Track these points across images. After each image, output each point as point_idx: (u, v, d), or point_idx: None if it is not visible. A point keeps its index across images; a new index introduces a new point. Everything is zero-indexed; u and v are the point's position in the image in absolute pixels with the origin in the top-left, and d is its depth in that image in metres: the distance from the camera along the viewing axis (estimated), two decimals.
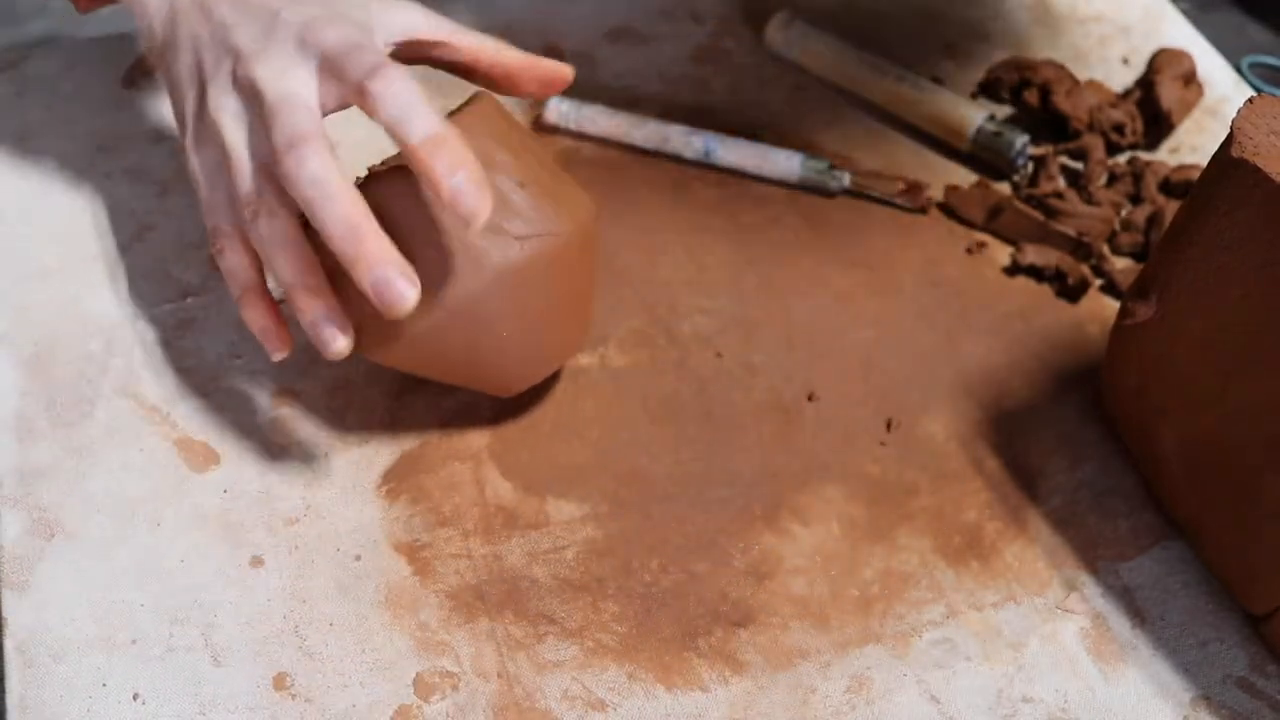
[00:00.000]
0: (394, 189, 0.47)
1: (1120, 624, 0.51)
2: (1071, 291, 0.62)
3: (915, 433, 0.56)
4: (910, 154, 0.68)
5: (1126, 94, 0.72)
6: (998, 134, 0.66)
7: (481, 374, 0.50)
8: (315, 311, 0.46)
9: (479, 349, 0.48)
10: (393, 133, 0.44)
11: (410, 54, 0.51)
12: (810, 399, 0.57)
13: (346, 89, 0.45)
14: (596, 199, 0.64)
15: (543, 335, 0.50)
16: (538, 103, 0.68)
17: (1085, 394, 0.58)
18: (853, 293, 0.61)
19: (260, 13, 0.47)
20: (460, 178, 0.43)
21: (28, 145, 0.63)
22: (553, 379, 0.56)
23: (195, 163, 0.48)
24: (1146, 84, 0.70)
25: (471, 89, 0.51)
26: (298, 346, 0.56)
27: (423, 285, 0.44)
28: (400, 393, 0.55)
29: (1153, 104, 0.69)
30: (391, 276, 0.43)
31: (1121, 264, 0.64)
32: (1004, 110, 0.71)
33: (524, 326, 0.49)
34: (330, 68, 0.46)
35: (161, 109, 0.65)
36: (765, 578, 0.51)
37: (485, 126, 0.48)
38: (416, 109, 0.44)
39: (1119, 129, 0.68)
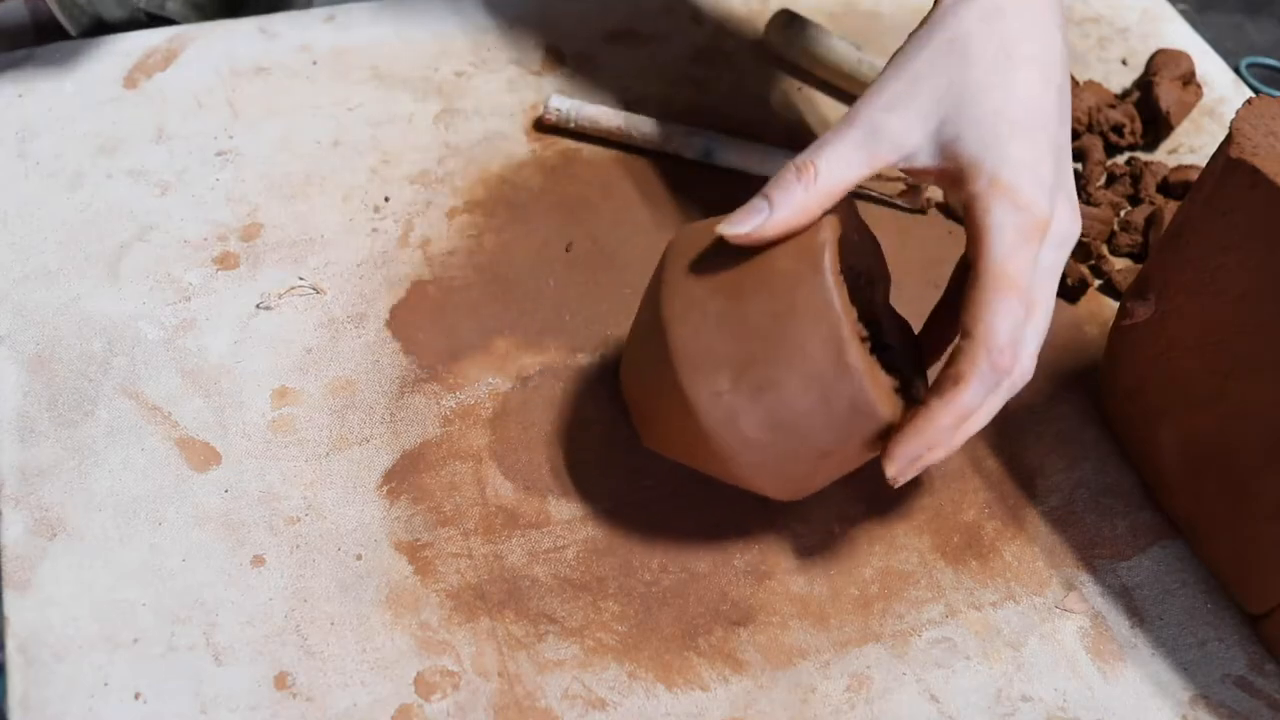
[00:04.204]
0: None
1: (1119, 623, 0.51)
2: (1070, 292, 0.62)
3: None
4: None
5: (1125, 95, 0.72)
6: None
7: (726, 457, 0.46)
8: None
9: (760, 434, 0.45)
10: (971, 362, 0.43)
11: None
12: None
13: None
14: (598, 199, 0.64)
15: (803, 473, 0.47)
16: (537, 104, 0.68)
17: (1084, 394, 0.58)
18: None
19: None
20: (923, 458, 0.44)
21: (29, 145, 0.63)
22: (555, 378, 0.56)
23: None
24: (1145, 85, 0.70)
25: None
26: (299, 347, 0.56)
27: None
28: (401, 392, 0.55)
29: (1151, 105, 0.69)
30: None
31: (1120, 264, 0.64)
32: None
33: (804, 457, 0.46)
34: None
35: (162, 109, 0.65)
36: (765, 577, 0.51)
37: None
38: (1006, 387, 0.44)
39: (1118, 130, 0.69)
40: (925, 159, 0.45)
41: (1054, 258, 0.45)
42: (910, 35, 0.47)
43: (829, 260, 0.43)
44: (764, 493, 0.47)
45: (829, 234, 0.43)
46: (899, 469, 0.44)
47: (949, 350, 0.49)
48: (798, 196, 0.44)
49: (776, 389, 0.43)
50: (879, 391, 0.43)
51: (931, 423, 0.43)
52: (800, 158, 0.45)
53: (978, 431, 0.55)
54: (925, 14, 0.47)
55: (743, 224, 0.44)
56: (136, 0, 0.69)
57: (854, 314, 0.43)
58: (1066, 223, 0.45)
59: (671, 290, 0.45)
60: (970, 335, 0.43)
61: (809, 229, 0.44)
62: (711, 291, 0.45)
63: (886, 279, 0.50)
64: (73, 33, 0.69)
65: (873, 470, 0.55)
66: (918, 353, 0.51)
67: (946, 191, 0.45)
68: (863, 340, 0.44)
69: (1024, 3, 0.46)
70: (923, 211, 0.65)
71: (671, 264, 0.47)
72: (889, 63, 0.46)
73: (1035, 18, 0.46)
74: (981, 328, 0.42)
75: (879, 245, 0.50)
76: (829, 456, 0.45)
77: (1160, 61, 0.71)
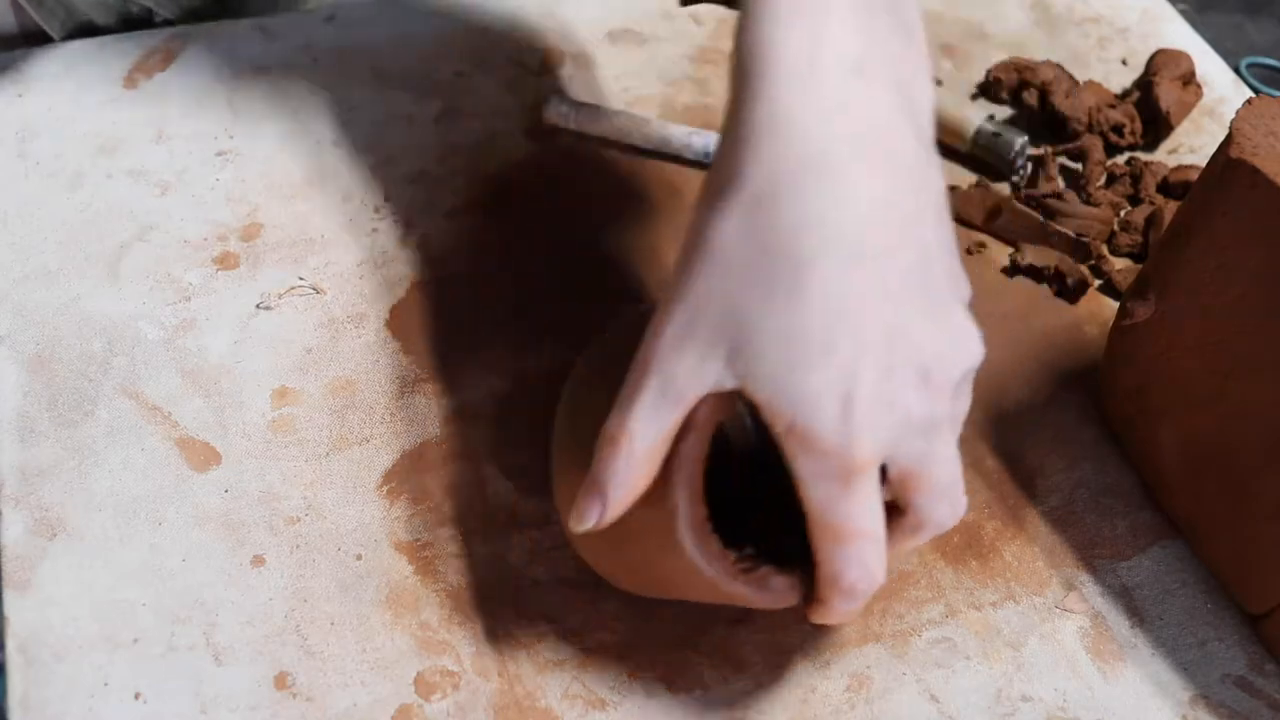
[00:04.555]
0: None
1: (1119, 623, 0.51)
2: (1070, 292, 0.62)
3: None
4: None
5: (1125, 95, 0.72)
6: (997, 135, 0.66)
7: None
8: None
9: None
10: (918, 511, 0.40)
11: None
12: None
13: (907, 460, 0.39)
14: (598, 199, 0.64)
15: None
16: (537, 103, 0.68)
17: (1084, 394, 0.58)
18: None
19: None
20: (854, 599, 0.40)
21: (29, 145, 0.63)
22: (555, 379, 0.56)
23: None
24: (1145, 85, 0.70)
25: None
26: (299, 347, 0.56)
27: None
28: (401, 392, 0.55)
29: (1151, 105, 0.69)
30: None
31: (1120, 264, 0.64)
32: (1003, 111, 0.71)
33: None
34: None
35: (162, 109, 0.65)
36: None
37: None
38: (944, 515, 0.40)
39: (1118, 130, 0.69)
40: (731, 385, 0.38)
41: (930, 437, 0.39)
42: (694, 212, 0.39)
43: (684, 528, 0.40)
44: None
45: (680, 492, 0.40)
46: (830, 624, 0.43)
47: None
48: (622, 472, 0.39)
49: (676, 594, 0.44)
50: (771, 599, 0.43)
51: (828, 618, 0.42)
52: (610, 425, 0.40)
53: (976, 432, 0.56)
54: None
55: (586, 519, 0.40)
56: None
57: (728, 558, 0.42)
58: (924, 406, 0.38)
59: (561, 502, 0.45)
60: (820, 578, 0.40)
61: (662, 483, 0.40)
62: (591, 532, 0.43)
63: None
64: (56, 37, 0.68)
65: None
66: None
67: None
68: (747, 567, 0.42)
69: (812, 159, 0.36)
70: None
71: (558, 461, 0.46)
72: (676, 263, 0.39)
73: (831, 174, 0.36)
74: (826, 574, 0.40)
75: None
76: None
77: (1160, 61, 0.71)
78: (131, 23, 0.70)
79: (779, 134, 0.36)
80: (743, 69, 0.37)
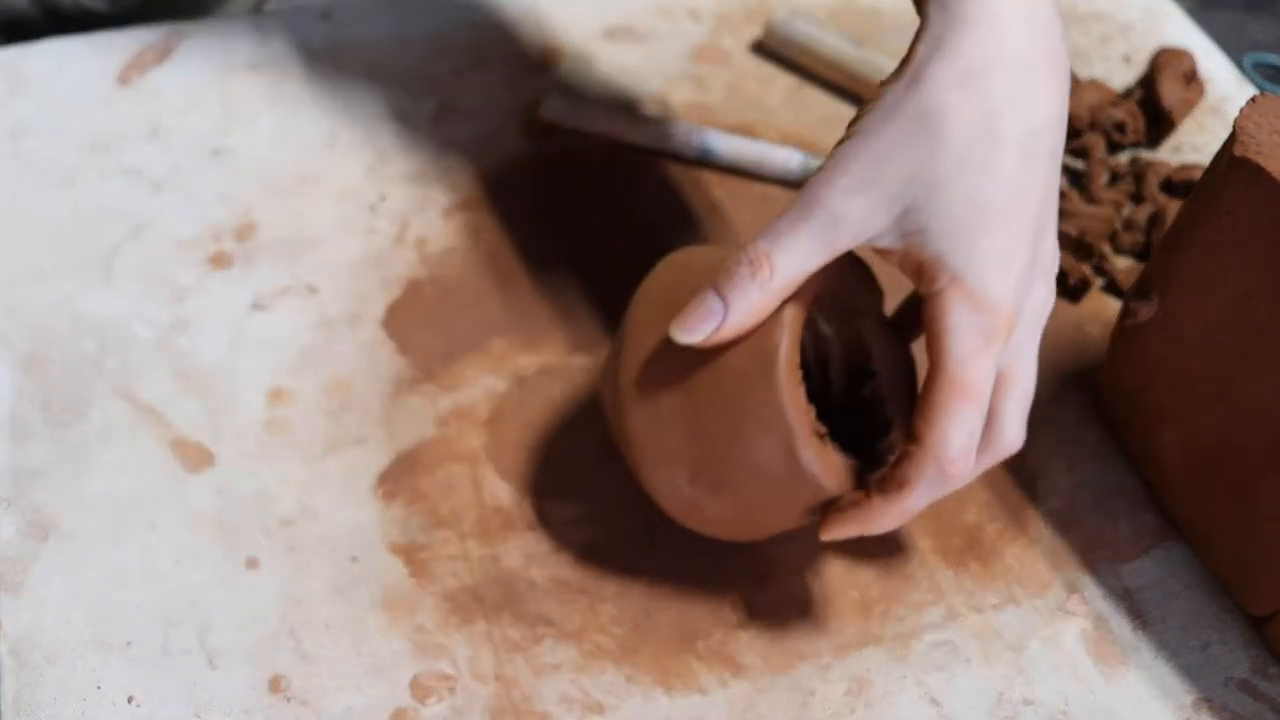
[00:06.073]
0: None
1: (1121, 626, 0.50)
2: (1072, 291, 0.62)
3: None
4: None
5: (1128, 93, 0.72)
6: None
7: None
8: None
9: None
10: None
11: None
12: None
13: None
14: (595, 198, 0.64)
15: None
16: (534, 101, 0.67)
17: (1085, 394, 0.58)
18: None
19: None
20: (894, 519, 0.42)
21: (21, 143, 0.62)
22: (552, 379, 0.56)
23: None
24: (1148, 83, 0.70)
25: None
26: (293, 347, 0.56)
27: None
28: (396, 393, 0.55)
29: (1154, 103, 0.69)
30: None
31: (1123, 264, 0.63)
32: None
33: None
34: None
35: (156, 107, 0.65)
36: (764, 579, 0.50)
37: None
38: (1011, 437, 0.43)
39: (1120, 128, 0.68)
40: (888, 243, 0.41)
41: (1030, 335, 0.43)
42: (882, 87, 0.41)
43: (782, 365, 0.41)
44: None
45: (785, 333, 0.41)
46: (833, 539, 0.44)
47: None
48: (753, 296, 0.41)
49: (734, 487, 0.43)
50: (837, 482, 0.43)
51: (872, 517, 0.42)
52: (754, 248, 0.41)
53: None
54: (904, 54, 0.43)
55: (696, 330, 0.41)
56: None
57: (811, 413, 0.42)
58: (1042, 295, 0.44)
59: (630, 364, 0.44)
60: (921, 443, 0.41)
61: (766, 322, 0.42)
62: (666, 381, 0.43)
63: (878, 297, 0.48)
64: None
65: None
66: (908, 364, 0.49)
67: (907, 275, 0.42)
68: (820, 437, 0.43)
69: (1014, 53, 0.40)
70: None
71: (635, 324, 0.45)
72: (854, 127, 0.41)
73: (1026, 71, 0.40)
74: (934, 436, 0.40)
75: (865, 266, 0.47)
76: (787, 525, 0.46)
77: (1163, 59, 0.70)
78: (59, 17, 0.69)
79: (990, 23, 0.40)
80: None
